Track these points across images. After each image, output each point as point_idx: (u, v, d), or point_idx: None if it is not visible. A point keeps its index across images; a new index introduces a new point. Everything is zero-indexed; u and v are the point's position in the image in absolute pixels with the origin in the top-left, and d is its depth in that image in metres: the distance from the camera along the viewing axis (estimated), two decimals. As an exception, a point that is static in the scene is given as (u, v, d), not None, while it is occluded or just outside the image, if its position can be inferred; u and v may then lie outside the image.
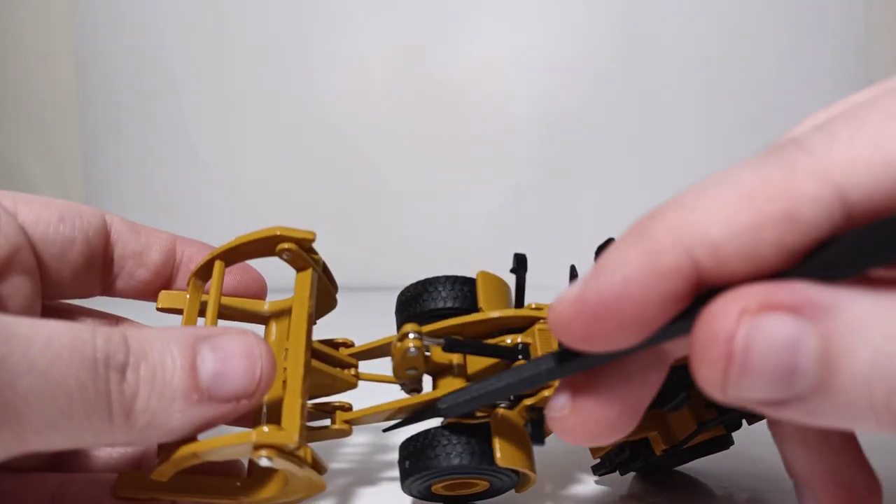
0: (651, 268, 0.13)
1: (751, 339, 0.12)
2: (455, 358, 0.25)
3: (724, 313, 0.13)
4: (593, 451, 0.26)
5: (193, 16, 0.87)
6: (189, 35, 0.87)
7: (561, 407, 0.16)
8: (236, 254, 0.23)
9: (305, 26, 0.85)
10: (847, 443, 0.19)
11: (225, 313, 0.25)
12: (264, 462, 0.18)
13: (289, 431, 0.18)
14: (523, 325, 0.25)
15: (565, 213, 0.81)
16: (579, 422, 0.16)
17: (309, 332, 0.21)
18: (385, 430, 0.24)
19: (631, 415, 0.16)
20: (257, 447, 0.18)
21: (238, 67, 0.87)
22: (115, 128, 0.90)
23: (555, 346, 0.23)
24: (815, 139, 0.13)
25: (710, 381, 0.13)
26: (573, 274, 0.25)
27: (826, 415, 0.13)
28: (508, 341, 0.24)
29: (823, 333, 0.12)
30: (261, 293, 0.26)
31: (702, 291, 0.14)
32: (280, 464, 0.18)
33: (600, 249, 0.24)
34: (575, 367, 0.16)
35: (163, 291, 0.25)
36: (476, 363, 0.25)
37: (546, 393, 0.23)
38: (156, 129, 0.89)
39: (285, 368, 0.21)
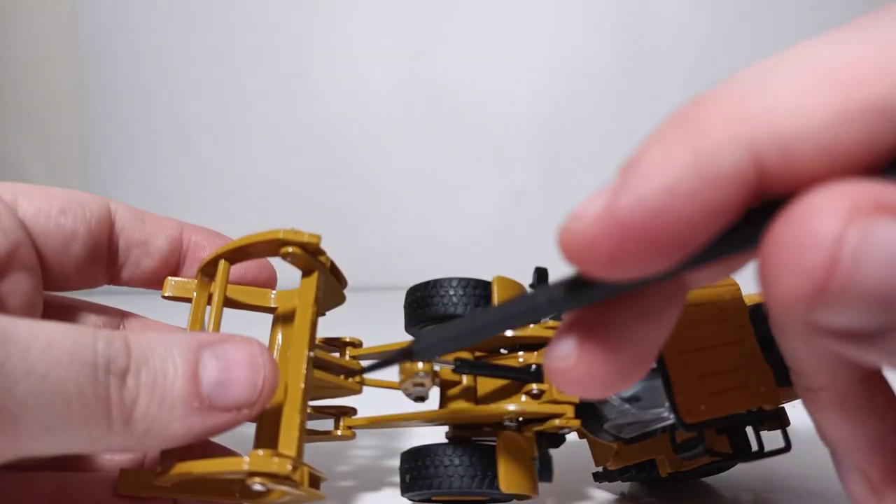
0: (702, 172, 0.10)
1: (863, 246, 0.09)
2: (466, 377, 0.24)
3: (827, 207, 0.10)
4: (596, 458, 0.25)
5: (194, 16, 0.86)
6: (190, 35, 0.87)
7: (565, 356, 0.13)
8: (241, 254, 0.23)
9: (306, 26, 0.85)
10: (894, 403, 0.16)
11: (232, 302, 0.24)
12: (258, 488, 0.18)
13: (282, 460, 0.17)
14: (539, 343, 0.24)
15: (565, 214, 0.81)
16: (586, 371, 0.13)
17: (311, 343, 0.20)
18: (364, 371, 0.24)
19: (644, 360, 0.14)
20: (251, 475, 0.17)
21: (239, 67, 0.87)
22: (115, 128, 0.90)
23: None
24: None
25: (797, 295, 0.10)
26: (542, 277, 0.23)
27: None
28: (521, 360, 0.24)
29: None
30: (270, 282, 0.25)
31: (756, 203, 0.11)
32: (275, 488, 0.18)
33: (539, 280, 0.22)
34: (582, 299, 0.13)
35: (168, 278, 0.24)
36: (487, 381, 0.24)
37: (556, 422, 0.22)
38: (156, 129, 0.89)
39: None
